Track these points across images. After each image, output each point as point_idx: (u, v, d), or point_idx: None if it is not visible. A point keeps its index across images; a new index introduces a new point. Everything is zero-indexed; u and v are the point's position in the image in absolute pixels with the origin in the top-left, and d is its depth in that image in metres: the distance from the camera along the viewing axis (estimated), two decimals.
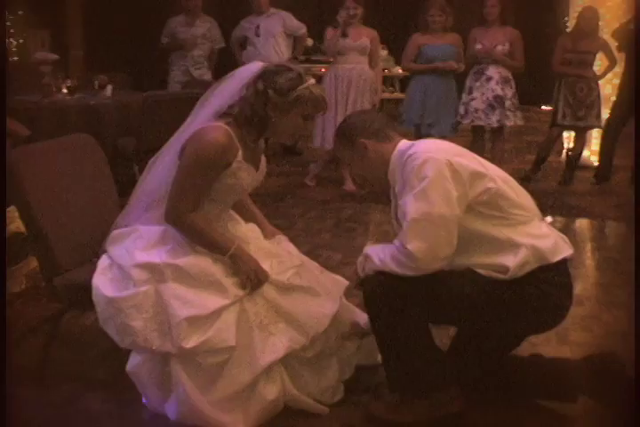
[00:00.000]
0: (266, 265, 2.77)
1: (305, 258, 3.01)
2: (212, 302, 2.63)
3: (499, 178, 2.66)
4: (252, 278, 2.70)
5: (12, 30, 8.87)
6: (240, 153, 2.71)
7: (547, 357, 2.97)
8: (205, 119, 2.73)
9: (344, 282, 2.98)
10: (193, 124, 2.75)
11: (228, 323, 2.62)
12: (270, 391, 2.68)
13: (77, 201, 3.04)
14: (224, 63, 7.08)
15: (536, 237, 2.63)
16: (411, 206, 2.56)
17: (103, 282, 2.70)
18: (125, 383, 2.75)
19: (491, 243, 2.61)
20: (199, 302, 2.62)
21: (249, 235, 2.94)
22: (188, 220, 2.70)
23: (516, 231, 2.62)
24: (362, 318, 2.92)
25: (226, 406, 2.65)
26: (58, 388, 2.98)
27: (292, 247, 3.03)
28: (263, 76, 2.69)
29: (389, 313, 2.59)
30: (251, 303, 2.69)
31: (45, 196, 2.91)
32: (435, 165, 2.54)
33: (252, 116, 2.69)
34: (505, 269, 2.57)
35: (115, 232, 2.85)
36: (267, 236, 3.03)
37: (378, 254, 2.64)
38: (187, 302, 2.60)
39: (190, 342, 2.57)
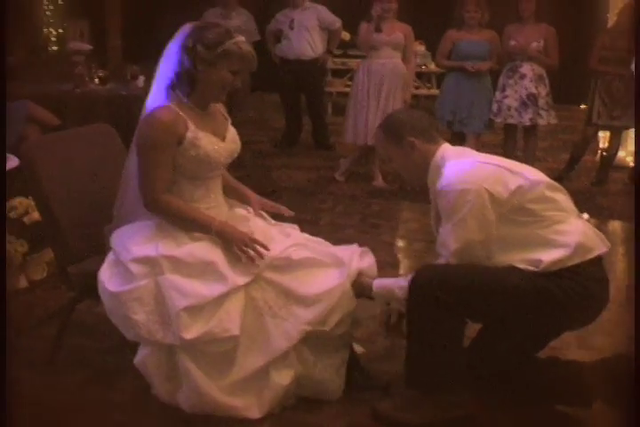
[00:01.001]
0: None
1: (313, 238, 2.99)
2: (211, 290, 2.64)
3: (534, 181, 2.67)
4: (247, 245, 2.70)
5: (51, 20, 8.97)
6: (190, 123, 2.74)
7: (563, 360, 2.93)
8: (155, 97, 2.77)
9: (356, 248, 2.96)
10: (147, 104, 2.80)
11: (230, 312, 2.63)
12: (285, 377, 2.68)
13: (93, 191, 3.05)
14: (259, 56, 7.07)
15: (572, 234, 2.65)
16: (450, 237, 2.64)
17: (108, 276, 2.73)
18: (137, 373, 2.77)
19: (527, 243, 2.65)
20: (197, 291, 2.63)
21: (250, 216, 2.96)
22: (163, 202, 2.74)
23: (551, 231, 2.65)
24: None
25: (238, 391, 2.66)
26: (70, 375, 3.01)
27: (295, 229, 3.01)
28: (192, 33, 2.73)
29: (432, 305, 2.58)
30: (258, 291, 2.69)
31: (61, 185, 2.93)
32: (471, 196, 2.58)
33: (181, 72, 2.72)
34: (539, 263, 2.60)
35: (117, 230, 2.86)
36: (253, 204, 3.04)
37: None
38: (185, 292, 2.62)
39: (191, 333, 2.58)
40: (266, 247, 2.71)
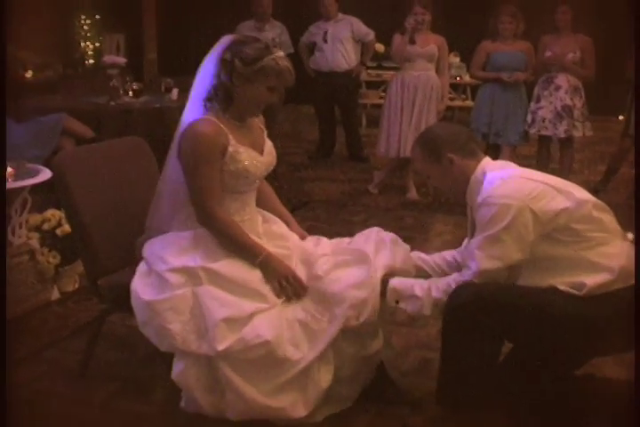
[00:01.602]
0: (300, 268, 2.77)
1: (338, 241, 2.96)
2: (250, 305, 2.62)
3: (581, 201, 2.61)
4: (290, 283, 2.69)
5: (88, 34, 9.11)
6: (230, 136, 2.72)
7: (598, 376, 2.87)
8: (193, 109, 2.76)
9: (381, 238, 2.89)
10: (185, 115, 2.78)
11: (262, 321, 2.60)
12: (326, 372, 2.64)
13: (124, 204, 3.04)
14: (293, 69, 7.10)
15: (616, 257, 2.58)
16: (480, 251, 2.57)
17: (141, 286, 2.70)
18: (166, 385, 2.75)
19: (570, 264, 2.58)
20: (236, 303, 2.61)
21: (287, 234, 2.93)
22: (220, 219, 2.72)
23: (595, 253, 2.57)
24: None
25: (281, 392, 2.62)
26: (100, 387, 3.01)
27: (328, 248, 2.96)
28: (231, 46, 2.69)
29: (469, 326, 2.54)
30: (295, 304, 2.68)
31: (91, 198, 2.93)
32: (512, 212, 2.52)
33: (218, 85, 2.70)
34: (582, 287, 2.53)
35: (149, 241, 2.84)
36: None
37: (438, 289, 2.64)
38: (224, 303, 2.59)
39: (223, 344, 2.54)
40: (304, 289, 2.71)
